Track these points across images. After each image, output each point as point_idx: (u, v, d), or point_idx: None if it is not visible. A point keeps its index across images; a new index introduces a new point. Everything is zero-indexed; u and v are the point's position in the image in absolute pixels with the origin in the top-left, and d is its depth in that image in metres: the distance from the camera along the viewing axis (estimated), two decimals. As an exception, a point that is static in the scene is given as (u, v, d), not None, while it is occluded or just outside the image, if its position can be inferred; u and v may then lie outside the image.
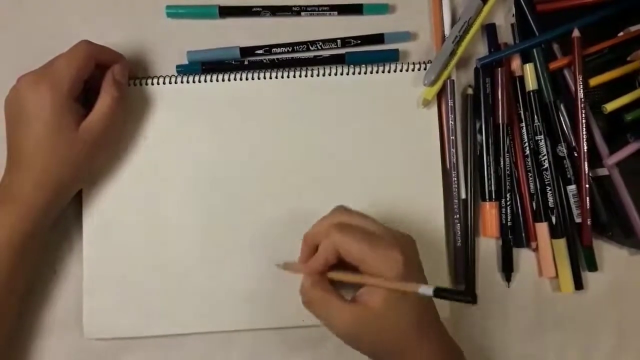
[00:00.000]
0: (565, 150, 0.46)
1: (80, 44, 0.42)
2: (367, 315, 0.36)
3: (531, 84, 0.47)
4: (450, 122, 0.47)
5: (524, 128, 0.47)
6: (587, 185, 0.45)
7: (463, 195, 0.46)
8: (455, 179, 0.46)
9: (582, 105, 0.45)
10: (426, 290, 0.34)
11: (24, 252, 0.42)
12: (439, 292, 0.34)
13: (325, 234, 0.38)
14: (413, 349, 0.37)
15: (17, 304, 0.44)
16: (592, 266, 0.47)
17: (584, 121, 0.45)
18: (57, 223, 0.46)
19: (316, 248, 0.39)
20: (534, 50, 0.46)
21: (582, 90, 0.45)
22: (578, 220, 0.46)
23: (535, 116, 0.46)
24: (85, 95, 0.44)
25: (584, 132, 0.45)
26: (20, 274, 0.43)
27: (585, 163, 0.45)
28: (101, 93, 0.43)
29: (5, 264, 0.41)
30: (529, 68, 0.46)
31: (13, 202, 0.41)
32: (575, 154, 0.46)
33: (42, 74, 0.41)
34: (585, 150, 0.45)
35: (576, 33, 0.46)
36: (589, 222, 0.45)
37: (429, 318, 0.39)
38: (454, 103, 0.47)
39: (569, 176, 0.46)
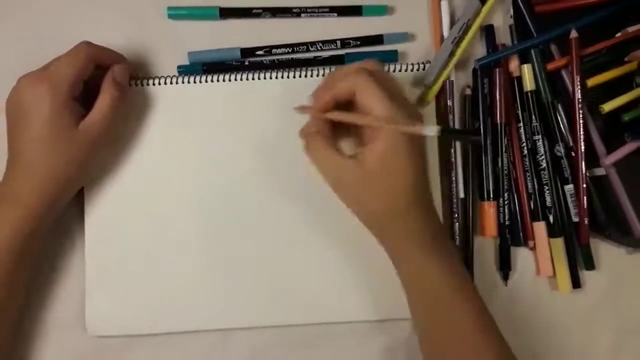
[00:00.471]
0: (562, 150, 0.46)
1: (80, 45, 0.42)
2: (355, 168, 0.38)
3: (529, 84, 0.47)
4: (449, 122, 0.47)
5: (522, 128, 0.47)
6: (584, 185, 0.45)
7: (461, 195, 0.47)
8: (454, 178, 0.47)
9: (580, 105, 0.45)
10: (432, 130, 0.33)
11: (25, 251, 0.42)
12: (445, 131, 0.33)
13: (350, 72, 0.38)
14: (398, 217, 0.38)
15: (18, 302, 0.44)
16: (590, 265, 0.47)
17: (581, 121, 0.45)
18: (60, 221, 0.46)
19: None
20: (532, 51, 0.47)
21: (579, 91, 0.45)
22: (575, 219, 0.46)
23: (533, 116, 0.47)
24: (85, 96, 0.44)
25: (582, 132, 0.45)
26: (22, 272, 0.43)
27: (583, 163, 0.45)
28: (101, 93, 0.43)
29: (6, 263, 0.41)
30: (526, 69, 0.47)
31: (13, 202, 0.41)
32: (573, 154, 0.46)
33: (42, 74, 0.41)
34: (583, 150, 0.45)
35: (574, 34, 0.46)
36: (586, 221, 0.46)
37: (421, 201, 0.39)
38: (452, 103, 0.47)
39: (566, 176, 0.46)
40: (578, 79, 0.45)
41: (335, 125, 0.40)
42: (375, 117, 0.37)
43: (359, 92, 0.38)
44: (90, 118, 0.42)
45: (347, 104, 0.39)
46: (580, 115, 0.45)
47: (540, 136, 0.46)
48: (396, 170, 0.38)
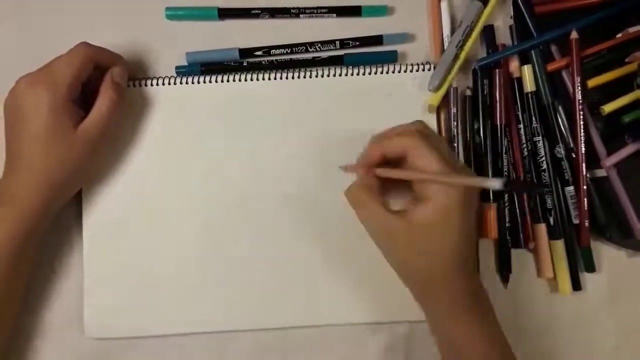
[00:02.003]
0: (563, 152, 0.46)
1: (79, 46, 0.43)
2: (403, 225, 0.37)
3: (529, 85, 0.47)
4: (451, 123, 0.47)
5: (522, 129, 0.47)
6: (585, 187, 0.45)
7: (461, 196, 0.47)
8: (454, 180, 0.47)
9: (580, 106, 0.45)
10: (495, 182, 0.32)
11: (23, 251, 0.42)
12: (509, 184, 0.32)
13: (402, 133, 0.38)
14: (442, 277, 0.37)
15: (16, 303, 0.44)
16: (590, 267, 0.47)
17: (581, 122, 0.45)
18: (58, 223, 0.46)
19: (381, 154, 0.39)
20: (532, 52, 0.46)
21: (580, 92, 0.45)
22: (576, 221, 0.46)
23: (533, 117, 0.46)
24: (84, 97, 0.44)
25: (582, 134, 0.45)
26: (20, 273, 0.43)
27: (583, 164, 0.45)
28: (99, 95, 0.43)
29: (5, 264, 0.41)
30: (527, 69, 0.46)
31: (12, 203, 0.41)
32: (573, 156, 0.46)
33: (40, 75, 0.41)
34: (583, 152, 0.45)
35: (574, 35, 0.46)
36: (586, 224, 0.45)
37: (465, 263, 0.38)
38: (457, 109, 0.47)
39: (567, 177, 0.46)
40: (578, 80, 0.45)
41: (381, 182, 0.40)
42: (434, 174, 0.36)
43: (412, 153, 0.37)
44: (88, 120, 0.42)
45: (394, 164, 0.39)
46: (581, 117, 0.45)
47: (540, 137, 0.46)
48: (445, 231, 0.36)
